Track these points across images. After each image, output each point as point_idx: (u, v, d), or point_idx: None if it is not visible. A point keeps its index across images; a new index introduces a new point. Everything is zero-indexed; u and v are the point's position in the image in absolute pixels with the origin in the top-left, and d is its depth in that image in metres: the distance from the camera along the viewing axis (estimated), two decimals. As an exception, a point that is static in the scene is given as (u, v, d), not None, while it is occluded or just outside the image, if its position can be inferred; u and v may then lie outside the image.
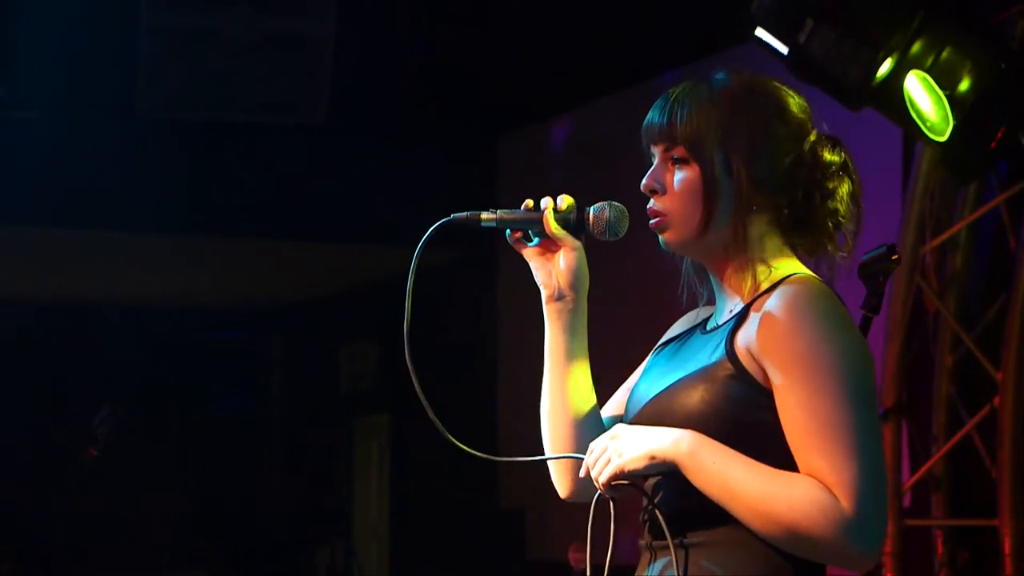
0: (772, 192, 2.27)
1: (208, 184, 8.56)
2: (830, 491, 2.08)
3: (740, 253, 2.27)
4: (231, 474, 11.94)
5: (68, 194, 8.29)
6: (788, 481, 2.10)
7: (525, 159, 8.97)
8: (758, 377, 2.18)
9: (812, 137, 2.31)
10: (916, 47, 4.68)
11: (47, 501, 10.70)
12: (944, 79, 4.63)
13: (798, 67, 4.71)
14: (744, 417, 2.17)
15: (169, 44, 7.34)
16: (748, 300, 2.26)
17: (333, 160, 8.75)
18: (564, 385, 2.37)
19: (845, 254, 2.31)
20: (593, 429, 2.36)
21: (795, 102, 2.32)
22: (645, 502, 2.23)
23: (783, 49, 4.75)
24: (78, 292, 11.31)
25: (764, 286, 2.26)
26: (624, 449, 2.18)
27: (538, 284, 2.38)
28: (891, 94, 4.74)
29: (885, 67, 4.70)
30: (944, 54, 4.65)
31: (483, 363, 8.92)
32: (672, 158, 2.28)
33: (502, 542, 8.72)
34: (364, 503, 11.20)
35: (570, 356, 2.37)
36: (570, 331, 2.37)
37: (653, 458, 2.16)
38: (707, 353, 2.25)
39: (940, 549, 5.69)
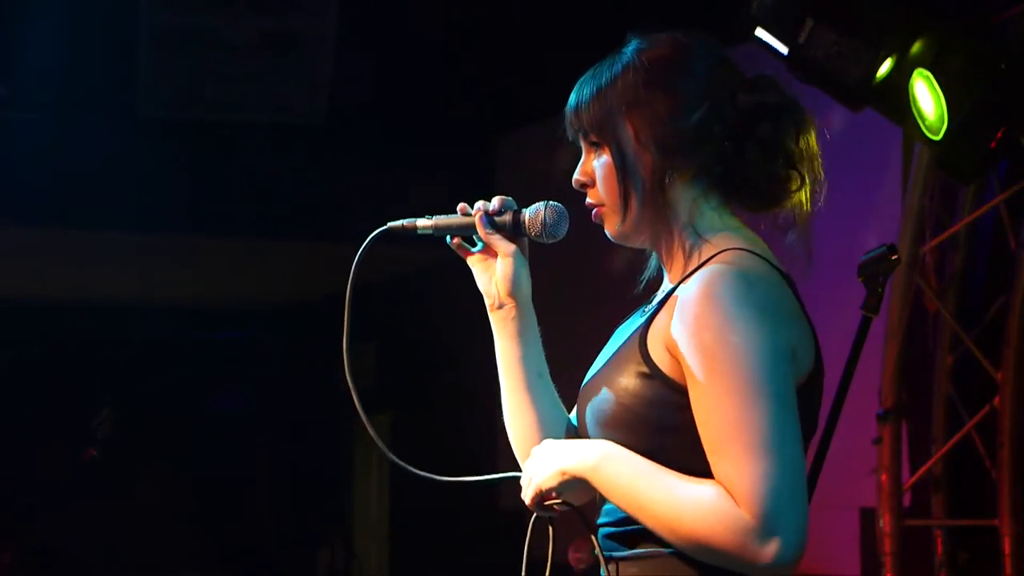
0: (685, 152, 2.13)
1: (208, 184, 8.56)
2: (732, 498, 1.96)
3: (671, 228, 2.15)
4: (231, 474, 11.94)
5: (68, 194, 8.29)
6: (692, 492, 1.99)
7: (525, 159, 8.96)
8: (672, 373, 2.05)
9: (731, 84, 2.16)
10: (916, 47, 4.68)
11: (47, 501, 10.70)
12: (944, 79, 4.63)
13: (798, 67, 4.71)
14: (660, 420, 2.06)
15: (169, 44, 7.34)
16: (675, 283, 2.14)
17: (333, 160, 8.75)
18: (520, 393, 2.29)
19: (811, 195, 2.17)
20: (559, 433, 2.28)
21: (705, 53, 2.20)
22: (582, 520, 2.16)
23: (783, 49, 4.75)
24: (78, 292, 11.31)
25: (692, 265, 2.12)
26: (538, 468, 2.12)
27: (481, 292, 2.30)
28: (891, 94, 4.73)
29: (885, 67, 4.70)
30: (944, 54, 4.65)
31: (483, 363, 8.91)
32: (590, 144, 2.19)
33: (502, 542, 8.72)
34: (364, 503, 11.21)
35: (523, 364, 2.28)
36: (518, 338, 2.28)
37: (564, 474, 2.09)
38: (628, 343, 2.14)
39: (940, 549, 5.69)
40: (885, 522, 5.64)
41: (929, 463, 5.68)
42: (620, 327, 2.29)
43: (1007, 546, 5.36)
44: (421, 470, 2.28)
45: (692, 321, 2.02)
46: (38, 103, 7.90)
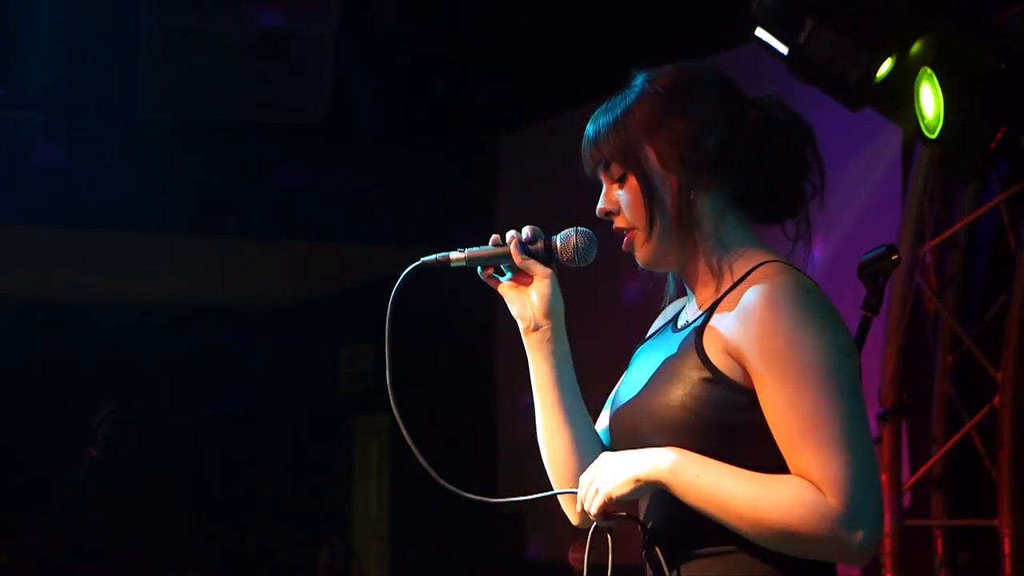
0: (710, 170, 2.24)
1: (208, 184, 8.56)
2: (817, 488, 2.06)
3: (699, 245, 2.25)
4: (231, 474, 11.94)
5: (68, 194, 8.29)
6: (774, 484, 2.08)
7: (525, 159, 8.97)
8: (735, 376, 2.15)
9: (741, 103, 2.27)
10: (916, 47, 4.68)
11: (46, 501, 10.69)
12: (944, 79, 4.63)
13: (798, 67, 4.71)
14: (727, 421, 2.14)
15: (169, 44, 7.34)
16: (717, 295, 2.23)
17: (333, 160, 8.75)
18: (556, 413, 2.35)
19: (815, 205, 2.27)
20: (593, 451, 2.34)
21: (715, 78, 2.29)
22: (641, 531, 2.21)
23: (783, 49, 4.75)
24: (78, 292, 11.31)
25: (731, 278, 2.23)
26: (608, 477, 2.16)
27: (515, 317, 2.37)
28: (891, 94, 4.73)
29: (885, 67, 4.70)
30: (944, 54, 4.65)
31: (482, 371, 8.92)
32: (612, 177, 2.29)
33: (502, 542, 8.72)
34: (364, 503, 11.21)
35: (557, 384, 2.36)
36: (552, 359, 2.35)
37: (638, 481, 2.15)
38: (679, 354, 2.22)
39: (940, 549, 5.69)
40: (885, 522, 5.64)
41: (929, 463, 5.67)
42: (643, 350, 2.39)
43: (1007, 546, 5.36)
44: (420, 470, 2.30)
45: (761, 328, 2.13)
46: (38, 103, 7.90)
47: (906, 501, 5.74)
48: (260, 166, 8.62)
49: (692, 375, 2.17)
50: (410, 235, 8.72)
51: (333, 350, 11.39)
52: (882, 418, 5.70)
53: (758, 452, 2.12)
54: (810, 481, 2.07)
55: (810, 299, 2.15)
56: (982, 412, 5.52)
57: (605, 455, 2.21)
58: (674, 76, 2.28)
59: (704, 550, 2.16)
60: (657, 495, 2.18)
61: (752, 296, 2.15)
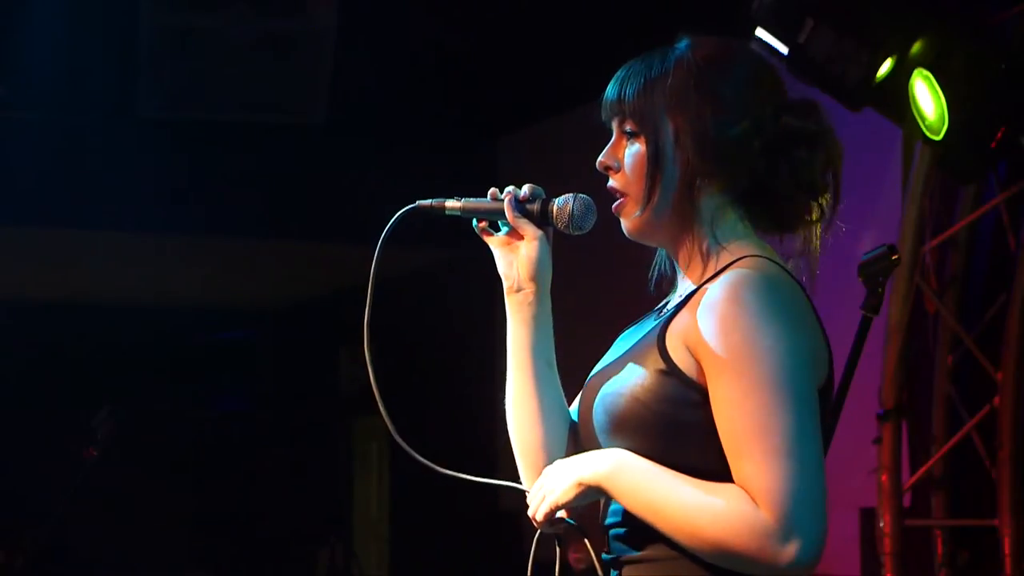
0: (722, 160, 2.13)
1: (208, 184, 8.55)
2: (753, 500, 1.96)
3: (692, 230, 2.15)
4: (231, 474, 11.94)
5: (68, 194, 8.29)
6: (711, 494, 1.98)
7: (525, 159, 8.96)
8: (690, 371, 2.05)
9: (776, 103, 2.17)
10: (916, 47, 4.68)
11: (46, 501, 10.69)
12: (944, 79, 4.63)
13: (798, 67, 4.71)
14: (675, 416, 2.05)
15: (169, 44, 7.34)
16: (696, 285, 2.14)
17: (333, 160, 8.75)
18: (527, 380, 2.26)
19: (822, 228, 2.19)
20: (560, 426, 2.27)
21: (756, 67, 2.19)
22: (586, 540, 2.16)
23: (783, 49, 4.75)
24: (78, 292, 11.31)
25: (713, 270, 2.13)
26: (554, 484, 2.11)
27: (500, 275, 2.29)
28: (891, 94, 4.73)
29: (885, 67, 4.70)
30: (944, 54, 4.65)
31: (484, 365, 8.92)
32: (625, 132, 2.19)
33: (502, 542, 8.72)
34: (364, 503, 11.21)
35: (533, 351, 2.26)
36: (531, 324, 2.26)
37: (580, 485, 2.08)
38: (644, 341, 2.13)
39: (940, 549, 5.69)
40: (885, 522, 5.64)
41: (929, 463, 5.67)
42: (628, 331, 2.30)
43: (1007, 546, 5.36)
44: (420, 470, 2.28)
45: (720, 323, 2.02)
46: (38, 103, 7.90)
47: (906, 501, 5.73)
48: (260, 166, 8.61)
49: (648, 365, 2.08)
50: (410, 235, 8.71)
51: (333, 350, 11.39)
52: (882, 418, 5.69)
53: (703, 451, 2.03)
54: (748, 491, 1.97)
55: (777, 298, 2.05)
56: (982, 412, 5.51)
57: (551, 465, 2.14)
58: (717, 53, 2.18)
59: (650, 550, 2.09)
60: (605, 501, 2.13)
61: (717, 289, 2.05)
